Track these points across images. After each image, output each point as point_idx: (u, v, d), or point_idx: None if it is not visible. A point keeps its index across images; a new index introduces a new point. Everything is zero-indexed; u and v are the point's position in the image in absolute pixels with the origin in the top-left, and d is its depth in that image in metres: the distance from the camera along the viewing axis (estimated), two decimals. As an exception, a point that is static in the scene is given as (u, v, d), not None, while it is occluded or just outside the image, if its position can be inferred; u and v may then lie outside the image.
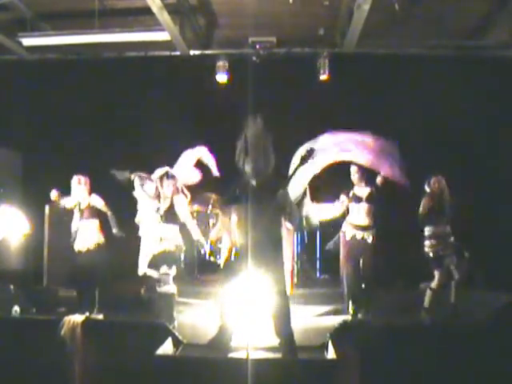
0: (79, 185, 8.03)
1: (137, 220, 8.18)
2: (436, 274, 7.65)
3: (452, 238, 7.65)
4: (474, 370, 5.84)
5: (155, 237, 7.78)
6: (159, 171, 7.98)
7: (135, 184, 8.00)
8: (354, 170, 7.96)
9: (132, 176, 8.04)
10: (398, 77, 10.06)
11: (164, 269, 7.72)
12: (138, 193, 8.05)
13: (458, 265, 7.60)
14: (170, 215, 7.84)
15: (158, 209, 7.83)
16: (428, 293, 7.70)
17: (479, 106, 10.02)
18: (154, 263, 7.79)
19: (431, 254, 7.64)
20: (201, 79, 10.65)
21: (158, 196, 7.89)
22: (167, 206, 7.85)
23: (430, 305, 7.66)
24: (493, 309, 7.61)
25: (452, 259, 7.58)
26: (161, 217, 7.82)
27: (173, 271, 7.77)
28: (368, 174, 7.93)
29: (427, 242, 7.70)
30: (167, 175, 7.91)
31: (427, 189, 7.78)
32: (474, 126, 10.05)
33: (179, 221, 7.91)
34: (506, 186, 9.72)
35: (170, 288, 7.75)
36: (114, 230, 8.22)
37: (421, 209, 7.69)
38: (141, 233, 8.16)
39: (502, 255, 9.17)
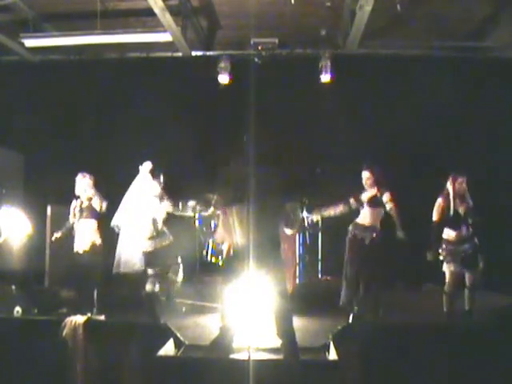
0: (83, 179, 8.03)
1: (115, 222, 8.03)
2: (446, 276, 7.57)
3: (469, 243, 7.50)
4: (477, 370, 5.83)
5: (150, 234, 7.86)
6: (147, 166, 8.02)
7: (146, 176, 7.99)
8: (366, 175, 7.86)
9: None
10: (400, 78, 10.06)
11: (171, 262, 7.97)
12: (149, 187, 8.03)
13: (472, 271, 7.52)
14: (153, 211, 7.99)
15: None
16: (444, 297, 7.60)
17: (481, 107, 10.02)
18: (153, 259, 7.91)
19: (441, 257, 7.57)
20: (203, 80, 10.65)
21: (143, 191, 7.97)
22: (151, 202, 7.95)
23: (446, 308, 7.55)
24: (499, 310, 7.65)
25: (464, 264, 7.50)
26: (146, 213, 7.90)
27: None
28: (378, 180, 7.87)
29: (442, 245, 7.60)
30: (157, 171, 7.99)
31: (447, 189, 7.63)
32: (475, 127, 10.06)
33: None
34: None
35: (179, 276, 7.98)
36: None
37: (434, 214, 7.62)
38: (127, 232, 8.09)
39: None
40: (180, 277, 8.09)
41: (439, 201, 7.62)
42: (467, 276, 7.52)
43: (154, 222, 7.92)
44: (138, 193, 7.92)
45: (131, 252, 7.86)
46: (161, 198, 7.99)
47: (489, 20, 9.21)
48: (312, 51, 10.27)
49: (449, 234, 7.58)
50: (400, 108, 9.91)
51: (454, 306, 7.55)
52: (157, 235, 7.91)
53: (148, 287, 7.87)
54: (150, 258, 7.86)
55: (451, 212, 7.52)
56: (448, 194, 7.58)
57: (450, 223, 7.56)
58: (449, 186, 7.61)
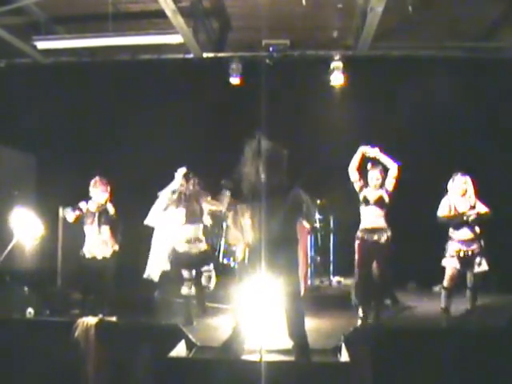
0: (99, 186, 8.02)
1: (148, 222, 8.22)
2: (446, 271, 7.62)
3: (473, 243, 7.52)
4: (488, 372, 5.81)
5: (184, 238, 7.91)
6: (181, 170, 8.07)
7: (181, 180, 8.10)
8: (375, 174, 7.89)
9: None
10: (411, 79, 10.04)
11: (206, 268, 8.06)
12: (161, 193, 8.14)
13: (474, 271, 7.53)
14: (195, 215, 8.00)
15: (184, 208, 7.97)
16: (442, 293, 7.67)
17: (493, 107, 9.99)
18: (189, 264, 7.96)
19: (445, 254, 7.63)
20: (214, 82, 10.67)
21: (183, 195, 8.03)
22: (193, 205, 7.95)
23: (445, 304, 7.61)
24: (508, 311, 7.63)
25: (467, 264, 7.52)
26: (188, 217, 7.95)
27: (212, 266, 8.12)
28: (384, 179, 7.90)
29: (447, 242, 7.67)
30: (191, 174, 8.04)
31: (449, 187, 7.69)
32: (487, 127, 10.03)
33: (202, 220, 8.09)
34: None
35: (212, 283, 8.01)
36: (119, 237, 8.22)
37: (440, 209, 7.68)
38: (160, 234, 8.23)
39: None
40: (212, 283, 8.13)
41: (444, 199, 7.69)
42: (469, 276, 7.58)
43: (197, 226, 8.03)
44: (175, 197, 8.00)
45: (166, 256, 7.98)
46: (203, 200, 8.10)
47: (501, 20, 9.16)
48: (323, 52, 10.25)
49: (452, 232, 7.62)
50: (411, 109, 9.89)
51: (451, 303, 7.61)
52: (196, 239, 7.98)
53: (184, 290, 7.95)
54: (188, 260, 7.93)
55: (453, 211, 7.57)
56: (450, 193, 7.64)
57: (453, 222, 7.60)
58: (450, 185, 7.66)
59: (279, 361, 6.01)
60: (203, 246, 8.06)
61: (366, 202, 7.80)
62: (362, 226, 7.85)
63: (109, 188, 8.06)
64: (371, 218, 7.78)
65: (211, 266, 8.13)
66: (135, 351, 6.12)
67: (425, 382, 5.85)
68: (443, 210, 7.64)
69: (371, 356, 5.82)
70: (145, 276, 8.33)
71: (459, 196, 7.58)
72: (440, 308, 7.65)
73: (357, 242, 7.83)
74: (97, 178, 8.04)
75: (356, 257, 7.85)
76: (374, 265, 7.70)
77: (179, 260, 7.98)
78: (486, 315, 7.72)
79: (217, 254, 10.40)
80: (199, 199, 8.06)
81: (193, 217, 8.01)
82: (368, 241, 7.75)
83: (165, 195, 8.09)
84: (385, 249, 7.70)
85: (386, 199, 7.76)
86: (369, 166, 7.86)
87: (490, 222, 7.54)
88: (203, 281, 8.07)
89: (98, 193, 8.00)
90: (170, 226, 8.08)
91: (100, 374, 6.22)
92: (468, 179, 7.62)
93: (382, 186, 7.80)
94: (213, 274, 8.12)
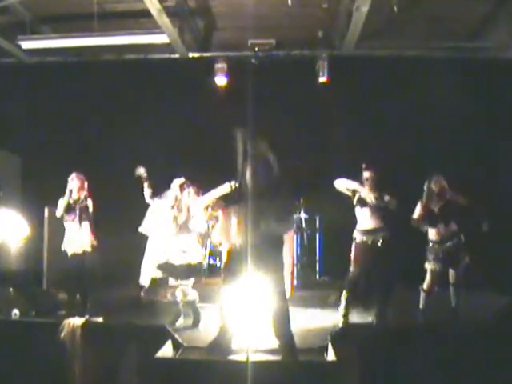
0: (77, 182, 7.98)
1: (142, 229, 8.28)
2: (426, 275, 7.64)
3: (453, 241, 7.54)
4: (474, 371, 5.84)
5: (175, 249, 7.81)
6: (177, 181, 8.02)
7: (177, 191, 8.02)
8: (367, 175, 7.68)
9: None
10: (397, 79, 10.07)
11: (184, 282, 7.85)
12: (155, 201, 8.37)
13: (455, 268, 7.57)
14: (188, 225, 7.89)
15: (176, 218, 7.90)
16: (421, 294, 7.68)
17: (479, 107, 10.02)
18: (177, 275, 7.86)
19: (427, 258, 7.65)
20: (200, 82, 10.65)
21: (177, 206, 7.93)
22: (186, 216, 7.88)
23: (423, 306, 7.65)
24: (493, 310, 7.66)
25: (447, 262, 7.54)
26: (179, 227, 7.86)
27: (191, 281, 7.88)
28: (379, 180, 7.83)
29: (428, 244, 7.68)
30: (186, 184, 7.97)
31: (425, 189, 7.70)
32: (473, 127, 10.06)
33: (197, 230, 7.99)
34: (506, 186, 9.73)
35: (192, 295, 7.84)
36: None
37: (415, 213, 7.70)
38: (153, 242, 8.26)
39: (502, 256, 9.19)
40: (192, 297, 8.03)
41: (419, 203, 7.71)
42: (451, 274, 7.60)
43: (189, 237, 7.92)
44: (170, 207, 7.97)
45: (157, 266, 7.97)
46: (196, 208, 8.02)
47: (486, 20, 9.22)
48: (309, 52, 10.27)
49: (431, 232, 7.64)
50: (397, 109, 9.92)
51: (428, 305, 7.63)
52: (187, 250, 7.90)
53: (170, 297, 7.92)
54: (176, 271, 7.85)
55: (429, 211, 7.59)
56: (425, 195, 7.67)
57: (430, 222, 7.62)
58: (426, 187, 7.68)
59: (266, 360, 6.01)
60: (194, 258, 7.89)
61: (361, 203, 7.69)
62: (357, 227, 7.76)
63: (86, 184, 8.04)
64: (368, 219, 7.69)
65: (191, 280, 7.96)
66: (121, 352, 6.11)
67: (410, 381, 5.88)
68: (416, 213, 7.69)
69: (357, 355, 5.84)
70: (140, 283, 8.39)
71: (435, 195, 7.59)
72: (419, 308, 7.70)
73: (356, 243, 7.73)
74: (73, 175, 8.03)
75: (352, 258, 7.73)
76: (374, 266, 7.62)
77: (168, 270, 7.90)
78: (470, 313, 7.74)
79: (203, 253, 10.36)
80: (192, 209, 7.98)
81: (185, 227, 7.91)
82: (364, 242, 7.65)
83: (160, 204, 8.15)
84: (382, 250, 7.60)
85: (381, 199, 7.65)
86: (363, 165, 7.77)
87: (472, 217, 7.58)
88: (181, 294, 7.91)
89: (76, 189, 7.96)
90: (163, 236, 8.04)
91: (86, 375, 6.20)
92: (440, 178, 7.64)
93: (376, 186, 7.69)
94: (189, 288, 7.94)
